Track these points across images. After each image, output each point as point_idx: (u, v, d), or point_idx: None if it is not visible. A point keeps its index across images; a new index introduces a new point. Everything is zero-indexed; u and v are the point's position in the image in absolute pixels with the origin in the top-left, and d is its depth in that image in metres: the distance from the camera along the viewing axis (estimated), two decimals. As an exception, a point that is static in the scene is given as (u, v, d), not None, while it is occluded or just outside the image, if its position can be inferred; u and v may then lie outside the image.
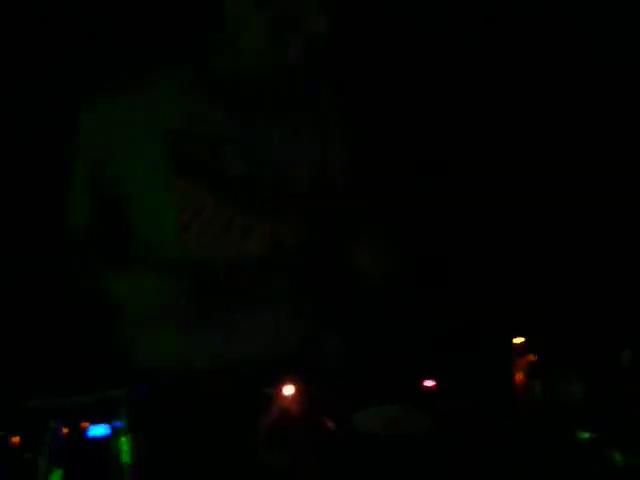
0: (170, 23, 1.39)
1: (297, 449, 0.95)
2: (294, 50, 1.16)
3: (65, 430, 0.83)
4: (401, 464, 0.95)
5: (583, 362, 1.19)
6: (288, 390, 0.97)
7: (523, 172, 1.85)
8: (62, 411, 0.93)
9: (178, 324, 1.28)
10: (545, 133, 1.91)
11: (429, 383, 1.14)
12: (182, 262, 1.26)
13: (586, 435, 1.01)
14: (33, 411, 0.93)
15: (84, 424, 0.85)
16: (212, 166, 1.26)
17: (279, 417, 0.97)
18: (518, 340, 1.21)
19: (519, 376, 1.17)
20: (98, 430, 0.85)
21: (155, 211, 1.25)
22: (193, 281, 1.26)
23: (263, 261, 1.30)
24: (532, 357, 1.20)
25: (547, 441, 1.00)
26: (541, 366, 1.17)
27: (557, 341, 1.23)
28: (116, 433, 0.79)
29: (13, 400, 1.02)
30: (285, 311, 1.34)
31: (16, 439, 0.81)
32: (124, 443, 0.77)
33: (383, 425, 1.04)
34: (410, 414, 1.08)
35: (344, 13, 1.26)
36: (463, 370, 1.19)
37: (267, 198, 1.30)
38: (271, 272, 1.32)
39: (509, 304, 1.67)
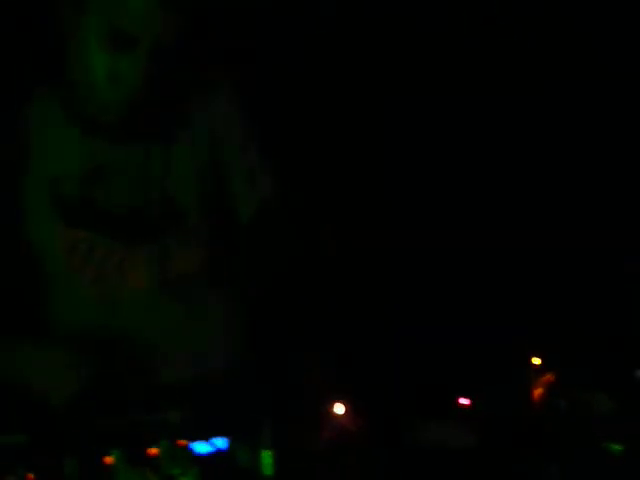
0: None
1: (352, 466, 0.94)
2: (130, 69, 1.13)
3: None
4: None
5: (602, 376, 1.25)
6: (339, 409, 0.97)
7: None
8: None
9: None
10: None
11: (464, 401, 1.17)
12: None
13: (618, 447, 1.05)
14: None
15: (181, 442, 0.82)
16: (96, 203, 1.25)
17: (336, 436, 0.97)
18: (536, 360, 1.26)
19: (540, 394, 1.21)
20: (202, 447, 0.83)
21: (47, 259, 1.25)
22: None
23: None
24: (551, 376, 1.26)
25: (580, 454, 1.04)
26: (562, 383, 1.22)
27: (573, 358, 1.28)
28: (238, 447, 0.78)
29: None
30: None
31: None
32: (267, 456, 0.76)
33: (433, 441, 1.05)
34: (455, 430, 1.10)
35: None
36: (493, 387, 1.22)
37: (155, 230, 1.29)
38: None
39: (521, 321, 1.72)
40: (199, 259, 1.33)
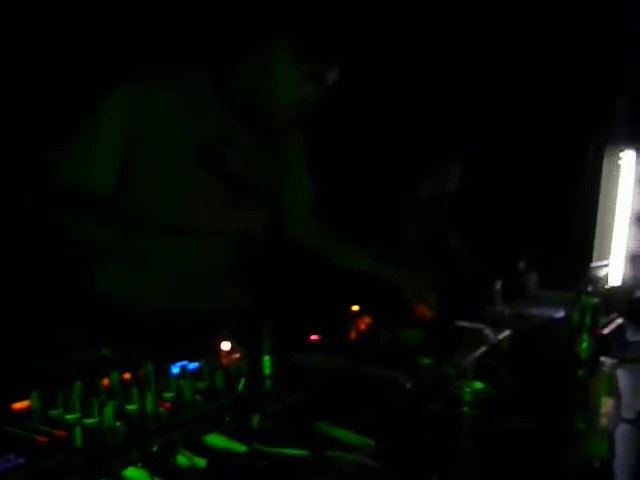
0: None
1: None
2: (313, 97, 1.42)
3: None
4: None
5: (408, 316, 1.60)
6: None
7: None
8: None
9: None
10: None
11: (314, 337, 1.37)
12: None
13: (427, 361, 1.39)
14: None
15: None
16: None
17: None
18: (355, 307, 1.55)
19: (360, 331, 1.50)
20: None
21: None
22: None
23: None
24: (367, 318, 1.56)
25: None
26: (380, 323, 1.52)
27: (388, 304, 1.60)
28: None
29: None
30: None
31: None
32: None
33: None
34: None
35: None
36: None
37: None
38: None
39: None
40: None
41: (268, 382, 0.93)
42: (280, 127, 1.54)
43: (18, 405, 0.89)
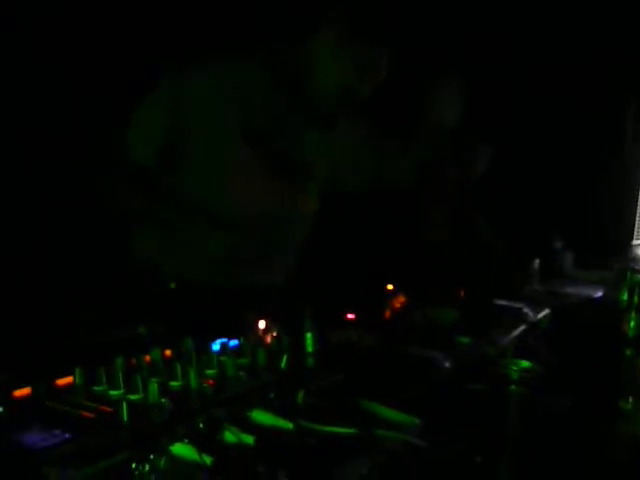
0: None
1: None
2: (364, 88, 1.39)
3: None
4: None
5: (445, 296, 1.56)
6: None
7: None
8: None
9: None
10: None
11: (351, 315, 1.35)
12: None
13: (466, 340, 1.35)
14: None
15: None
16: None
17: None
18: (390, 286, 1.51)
19: (395, 310, 1.47)
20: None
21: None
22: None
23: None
24: (402, 297, 1.53)
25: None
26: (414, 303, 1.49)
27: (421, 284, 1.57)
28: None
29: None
30: None
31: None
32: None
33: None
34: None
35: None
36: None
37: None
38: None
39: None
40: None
41: (310, 359, 0.91)
42: (330, 113, 1.50)
43: (62, 381, 0.89)
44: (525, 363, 0.94)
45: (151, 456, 0.62)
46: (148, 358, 0.93)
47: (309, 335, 0.93)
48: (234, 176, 1.40)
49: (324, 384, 0.83)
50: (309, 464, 0.68)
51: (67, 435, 0.68)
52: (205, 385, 0.77)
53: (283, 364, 0.86)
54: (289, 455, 0.67)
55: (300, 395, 0.77)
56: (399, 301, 1.64)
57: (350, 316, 1.44)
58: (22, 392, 0.85)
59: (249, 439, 0.66)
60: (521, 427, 0.95)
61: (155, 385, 0.74)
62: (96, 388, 0.82)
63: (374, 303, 1.52)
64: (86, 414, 0.73)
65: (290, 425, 0.70)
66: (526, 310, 1.52)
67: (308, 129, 1.52)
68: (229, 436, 0.67)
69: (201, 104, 1.35)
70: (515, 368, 0.92)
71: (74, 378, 0.86)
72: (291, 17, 1.40)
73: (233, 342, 0.98)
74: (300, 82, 1.41)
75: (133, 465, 0.61)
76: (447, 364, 1.14)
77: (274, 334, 1.12)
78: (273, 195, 1.47)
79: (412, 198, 2.12)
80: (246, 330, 1.06)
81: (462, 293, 1.69)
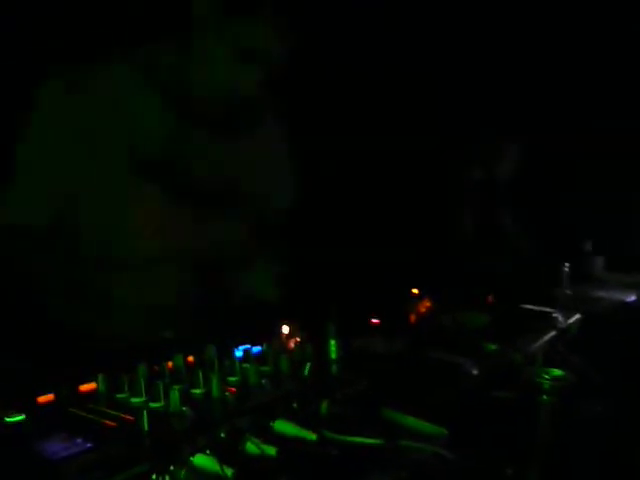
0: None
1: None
2: (247, 81, 1.21)
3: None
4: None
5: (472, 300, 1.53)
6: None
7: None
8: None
9: None
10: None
11: (375, 320, 1.33)
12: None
13: (492, 347, 1.31)
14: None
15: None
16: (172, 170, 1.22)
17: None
18: (415, 290, 1.49)
19: (420, 314, 1.44)
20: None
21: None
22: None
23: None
24: (427, 301, 1.50)
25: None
26: (441, 306, 1.46)
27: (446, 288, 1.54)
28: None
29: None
30: None
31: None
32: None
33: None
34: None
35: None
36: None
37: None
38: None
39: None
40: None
41: (334, 367, 0.89)
42: (236, 121, 1.28)
43: (85, 387, 0.88)
44: (556, 371, 0.91)
45: (171, 467, 0.61)
46: (170, 365, 0.92)
47: (333, 342, 0.91)
48: (136, 213, 1.19)
49: (348, 392, 0.81)
50: (332, 476, 0.66)
51: (89, 444, 0.67)
52: (227, 393, 0.76)
53: (306, 372, 0.84)
54: (312, 467, 0.65)
55: (324, 404, 0.75)
56: (425, 305, 1.61)
57: (375, 321, 1.42)
58: (46, 398, 0.85)
59: (271, 450, 0.64)
60: (552, 437, 0.92)
61: (176, 393, 0.73)
62: (118, 395, 0.82)
63: (399, 308, 1.50)
64: (108, 423, 0.72)
65: (313, 436, 0.68)
66: (556, 315, 1.47)
67: (211, 143, 1.28)
68: (251, 447, 0.66)
69: (82, 134, 1.14)
70: (547, 377, 0.89)
71: (97, 384, 0.86)
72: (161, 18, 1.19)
73: (256, 349, 0.97)
74: (186, 85, 1.21)
75: (153, 477, 0.60)
76: (475, 371, 1.11)
77: (297, 340, 1.10)
78: (185, 230, 1.26)
79: (440, 201, 2.09)
80: (270, 336, 1.05)
81: (491, 297, 1.66)
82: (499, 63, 1.98)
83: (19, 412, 0.77)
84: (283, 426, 0.70)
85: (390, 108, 1.78)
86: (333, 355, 0.91)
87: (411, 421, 0.82)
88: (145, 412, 0.67)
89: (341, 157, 1.67)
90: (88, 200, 1.15)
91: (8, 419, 0.76)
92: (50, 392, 0.83)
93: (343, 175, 1.64)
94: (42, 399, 0.82)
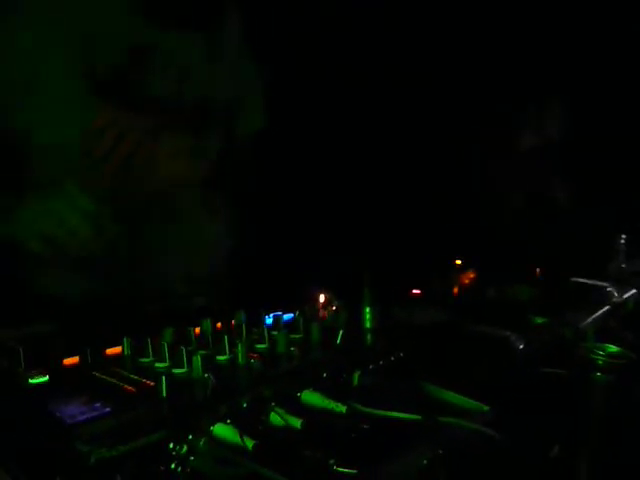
0: None
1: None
2: None
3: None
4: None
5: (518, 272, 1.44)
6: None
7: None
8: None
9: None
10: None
11: (417, 291, 1.26)
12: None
13: (540, 320, 1.23)
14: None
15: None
16: (133, 81, 1.05)
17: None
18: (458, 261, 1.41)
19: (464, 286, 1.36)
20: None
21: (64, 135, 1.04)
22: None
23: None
24: (472, 273, 1.42)
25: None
26: (486, 279, 1.38)
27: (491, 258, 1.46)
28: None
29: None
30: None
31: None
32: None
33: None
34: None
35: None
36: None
37: (194, 119, 1.13)
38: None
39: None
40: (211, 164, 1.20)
41: (369, 336, 0.84)
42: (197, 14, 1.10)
43: (111, 351, 0.86)
44: (613, 348, 0.83)
45: (190, 436, 0.57)
46: (198, 331, 0.89)
47: (368, 310, 0.85)
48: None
49: (383, 364, 0.76)
50: (361, 451, 0.61)
51: (107, 409, 0.64)
52: (253, 361, 0.72)
53: (339, 340, 0.79)
54: (339, 441, 0.60)
55: (356, 375, 0.70)
56: (468, 277, 1.54)
57: (416, 292, 1.36)
58: (71, 361, 0.83)
59: (296, 422, 0.60)
60: (605, 418, 0.85)
61: (199, 359, 0.69)
62: (143, 360, 0.79)
63: (442, 279, 1.43)
64: (128, 388, 0.69)
65: (342, 408, 0.64)
66: (610, 290, 1.38)
67: (190, 48, 1.09)
68: (275, 418, 0.61)
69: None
70: (602, 353, 0.81)
71: (123, 348, 0.83)
72: None
73: (287, 316, 0.92)
74: None
75: (170, 445, 0.56)
76: (521, 345, 1.04)
77: (333, 308, 1.05)
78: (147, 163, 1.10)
79: (488, 167, 1.99)
80: (304, 303, 1.00)
81: (539, 270, 1.57)
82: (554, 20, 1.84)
83: (43, 374, 0.75)
84: (310, 397, 0.66)
85: (433, 73, 1.68)
86: (368, 324, 0.86)
87: (450, 396, 0.77)
88: (164, 378, 0.63)
89: (387, 113, 1.58)
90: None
91: (32, 380, 0.74)
92: (76, 355, 0.81)
93: (387, 135, 1.56)
94: (67, 361, 0.81)
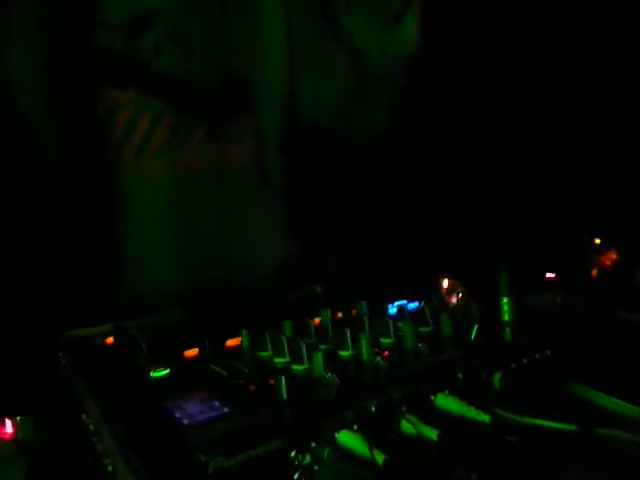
0: None
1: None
2: None
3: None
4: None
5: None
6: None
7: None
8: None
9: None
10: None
11: (550, 275, 1.13)
12: None
13: None
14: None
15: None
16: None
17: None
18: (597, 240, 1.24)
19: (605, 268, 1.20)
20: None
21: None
22: None
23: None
24: (613, 253, 1.25)
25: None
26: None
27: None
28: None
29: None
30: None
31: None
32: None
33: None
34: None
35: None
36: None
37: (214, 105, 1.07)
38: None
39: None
40: (253, 153, 1.14)
41: (508, 331, 0.74)
42: None
43: (230, 342, 0.83)
44: None
45: (313, 444, 0.51)
46: (317, 322, 0.83)
47: (506, 300, 0.75)
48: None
49: (526, 363, 0.66)
50: (508, 468, 0.52)
51: (225, 409, 0.60)
52: (380, 359, 0.65)
53: (473, 336, 0.70)
54: (484, 456, 0.52)
55: (497, 376, 0.61)
56: (610, 258, 1.37)
57: (550, 276, 1.22)
58: (191, 353, 0.80)
59: (432, 433, 0.52)
60: None
61: (320, 356, 0.63)
62: (261, 353, 0.74)
63: (579, 260, 1.28)
64: (249, 386, 0.64)
65: (485, 416, 0.55)
66: None
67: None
68: (406, 426, 0.54)
69: None
70: None
71: (241, 341, 0.80)
72: None
73: (412, 305, 0.84)
74: None
75: (292, 454, 0.50)
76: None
77: (460, 296, 0.96)
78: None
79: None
80: (427, 291, 0.91)
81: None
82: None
83: (165, 367, 0.73)
84: (446, 401, 0.58)
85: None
86: (506, 316, 0.75)
87: (607, 400, 0.65)
88: (283, 379, 0.57)
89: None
90: None
91: (154, 374, 0.73)
92: (196, 346, 0.79)
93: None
94: (187, 353, 0.79)
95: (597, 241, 1.35)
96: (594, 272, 1.24)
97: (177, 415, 0.59)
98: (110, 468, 0.57)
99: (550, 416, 0.57)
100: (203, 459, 0.48)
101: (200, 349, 0.76)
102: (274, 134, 1.17)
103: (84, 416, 0.69)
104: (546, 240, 1.39)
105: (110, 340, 0.86)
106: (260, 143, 1.16)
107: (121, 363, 0.76)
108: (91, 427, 0.66)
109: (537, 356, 0.66)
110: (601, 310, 0.96)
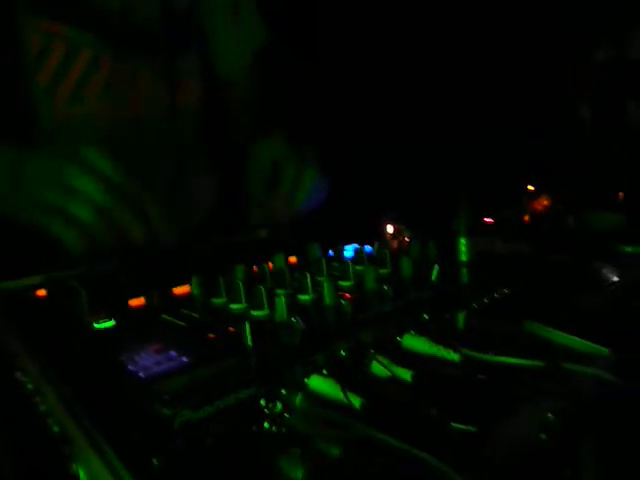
0: None
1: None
2: None
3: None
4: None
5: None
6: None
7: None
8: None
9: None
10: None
11: (489, 220, 1.14)
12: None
13: (631, 249, 1.09)
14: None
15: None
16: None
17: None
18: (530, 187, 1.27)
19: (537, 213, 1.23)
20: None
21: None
22: None
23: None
24: (545, 199, 1.28)
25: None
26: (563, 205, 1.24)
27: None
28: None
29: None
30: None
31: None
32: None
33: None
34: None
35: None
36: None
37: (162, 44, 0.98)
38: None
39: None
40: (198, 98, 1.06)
41: (465, 271, 0.73)
42: None
43: (178, 290, 0.78)
44: None
45: (283, 391, 0.48)
46: (271, 266, 0.79)
47: (463, 241, 0.74)
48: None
49: (487, 302, 0.66)
50: (479, 405, 0.52)
51: (184, 359, 0.56)
52: (343, 301, 0.62)
53: (434, 277, 0.68)
54: (457, 394, 0.50)
55: (461, 317, 0.60)
56: (542, 204, 1.40)
57: (487, 220, 1.24)
58: (137, 302, 0.75)
59: (406, 374, 0.50)
60: None
61: (282, 300, 0.60)
62: (215, 300, 0.70)
63: (513, 206, 1.30)
64: (208, 335, 0.60)
65: (455, 355, 0.54)
66: None
67: None
68: (377, 368, 0.52)
69: None
70: None
71: (191, 287, 0.75)
72: None
73: (367, 248, 0.82)
74: None
75: (262, 402, 0.47)
76: (615, 277, 0.92)
77: (406, 239, 0.95)
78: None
79: (559, 84, 1.78)
80: (375, 235, 0.90)
81: (621, 194, 1.42)
82: None
83: (109, 317, 0.67)
84: (414, 342, 0.56)
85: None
86: (463, 257, 0.74)
87: (561, 337, 0.66)
88: (247, 324, 0.54)
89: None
90: None
91: (97, 325, 0.67)
92: (142, 295, 0.73)
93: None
94: (133, 302, 0.73)
95: (530, 188, 1.38)
96: (526, 217, 1.27)
97: (130, 368, 0.54)
98: (56, 429, 0.51)
99: (514, 354, 0.56)
100: (168, 413, 0.44)
101: (146, 298, 0.71)
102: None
103: (19, 374, 0.63)
104: (482, 186, 1.41)
105: (41, 292, 0.79)
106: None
107: (59, 315, 0.70)
108: (29, 386, 0.60)
109: (496, 295, 0.66)
110: (537, 252, 0.98)
